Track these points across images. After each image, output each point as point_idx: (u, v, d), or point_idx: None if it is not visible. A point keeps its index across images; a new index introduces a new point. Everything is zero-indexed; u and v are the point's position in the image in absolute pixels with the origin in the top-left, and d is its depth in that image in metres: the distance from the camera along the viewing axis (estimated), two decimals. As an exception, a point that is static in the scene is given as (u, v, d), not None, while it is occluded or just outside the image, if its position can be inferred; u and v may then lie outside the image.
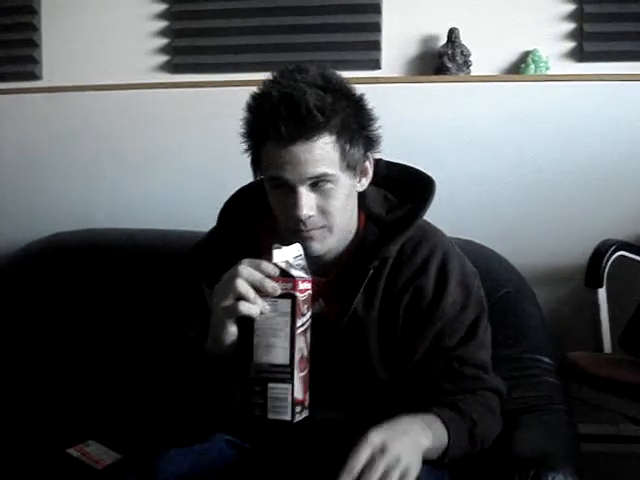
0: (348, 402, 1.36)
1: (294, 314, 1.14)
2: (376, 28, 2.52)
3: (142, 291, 2.03)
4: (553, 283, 2.40)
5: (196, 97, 2.57)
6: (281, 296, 1.15)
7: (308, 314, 1.18)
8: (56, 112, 2.66)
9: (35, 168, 2.68)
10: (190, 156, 2.59)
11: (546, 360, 1.71)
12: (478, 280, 1.43)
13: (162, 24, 2.63)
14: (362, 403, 1.36)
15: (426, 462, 1.21)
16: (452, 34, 2.42)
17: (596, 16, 2.41)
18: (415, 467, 1.16)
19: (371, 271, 1.34)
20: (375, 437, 1.16)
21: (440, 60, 2.44)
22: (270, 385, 1.14)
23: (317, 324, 1.32)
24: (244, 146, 1.35)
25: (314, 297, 1.34)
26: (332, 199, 1.29)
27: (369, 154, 1.35)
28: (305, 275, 1.18)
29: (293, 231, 1.31)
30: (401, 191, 1.43)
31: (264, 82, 1.30)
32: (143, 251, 2.14)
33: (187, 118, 2.57)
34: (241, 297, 1.15)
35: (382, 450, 1.14)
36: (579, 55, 2.44)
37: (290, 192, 1.27)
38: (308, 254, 1.31)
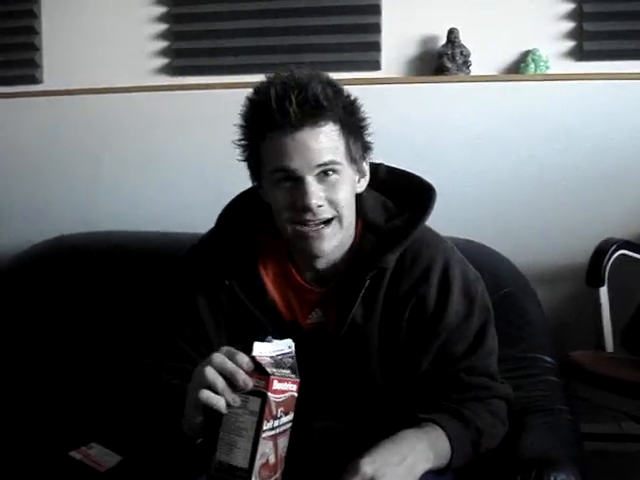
0: (346, 410, 1.34)
1: (262, 415, 1.03)
2: (376, 29, 2.52)
3: (145, 293, 2.02)
4: (554, 282, 2.40)
5: (196, 99, 2.57)
6: (253, 393, 1.04)
7: (284, 418, 1.07)
8: (57, 115, 2.66)
9: (37, 171, 2.69)
10: (191, 158, 2.59)
11: (548, 359, 1.71)
12: (482, 285, 1.39)
13: (162, 27, 2.64)
14: (361, 412, 1.34)
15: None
16: (452, 34, 2.43)
17: (595, 15, 2.41)
18: None
19: (368, 281, 1.30)
20: (367, 467, 1.13)
21: (440, 60, 2.45)
22: None
23: (316, 333, 1.33)
24: (240, 150, 1.33)
25: (310, 307, 1.35)
26: (339, 190, 1.27)
27: (366, 156, 1.35)
28: (290, 375, 1.08)
29: (300, 227, 1.27)
30: (401, 198, 1.39)
31: (262, 81, 1.29)
32: (146, 253, 2.14)
33: (188, 120, 2.57)
34: (209, 386, 1.07)
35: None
36: (579, 54, 2.44)
37: (297, 184, 1.25)
38: (315, 254, 1.29)
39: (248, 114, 1.30)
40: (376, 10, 2.52)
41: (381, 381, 1.34)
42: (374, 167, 1.40)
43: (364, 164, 1.35)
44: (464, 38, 2.43)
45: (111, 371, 1.98)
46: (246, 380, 1.05)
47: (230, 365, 1.06)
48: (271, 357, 1.08)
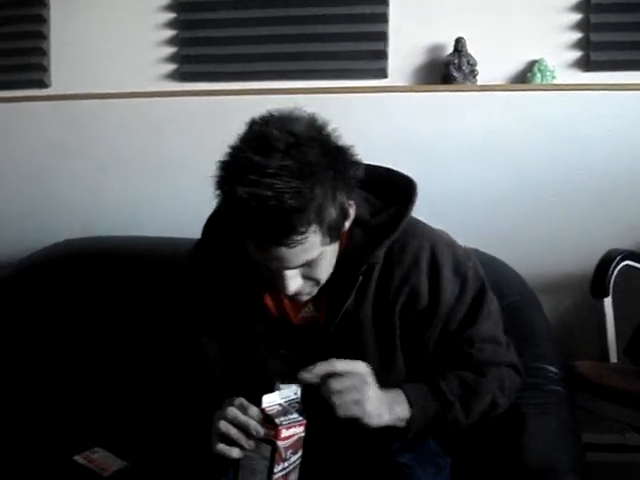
0: None
1: (273, 460, 1.16)
2: (383, 37, 2.53)
3: (149, 298, 2.03)
4: (559, 292, 2.40)
5: (204, 105, 2.57)
6: (264, 440, 1.17)
7: (294, 457, 1.19)
8: (64, 120, 2.67)
9: (43, 175, 2.70)
10: (198, 164, 2.55)
11: (552, 369, 1.71)
12: (473, 261, 1.42)
13: (170, 33, 2.65)
14: None
15: (424, 461, 1.29)
16: (458, 43, 2.43)
17: (603, 26, 2.41)
18: (369, 407, 1.23)
19: (361, 277, 1.33)
20: (365, 367, 1.25)
21: (446, 69, 2.45)
22: None
23: (309, 327, 1.38)
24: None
25: (303, 303, 1.37)
26: (318, 268, 1.27)
27: (350, 201, 1.26)
28: (297, 418, 1.18)
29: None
30: (382, 193, 1.39)
31: (237, 190, 1.18)
32: (150, 259, 2.14)
33: (195, 126, 2.58)
34: (223, 436, 1.19)
35: (360, 376, 1.24)
36: (586, 65, 2.44)
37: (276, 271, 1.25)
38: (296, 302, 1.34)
39: (228, 213, 1.24)
40: (383, 18, 2.52)
41: (380, 372, 1.34)
42: None
43: (349, 211, 1.27)
44: (471, 47, 2.43)
45: (116, 375, 1.99)
46: (257, 428, 1.17)
47: (242, 418, 1.18)
48: (280, 404, 1.19)
